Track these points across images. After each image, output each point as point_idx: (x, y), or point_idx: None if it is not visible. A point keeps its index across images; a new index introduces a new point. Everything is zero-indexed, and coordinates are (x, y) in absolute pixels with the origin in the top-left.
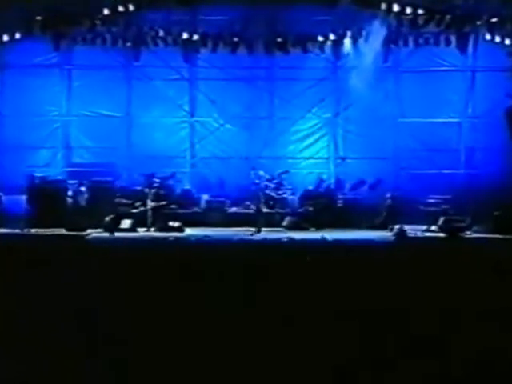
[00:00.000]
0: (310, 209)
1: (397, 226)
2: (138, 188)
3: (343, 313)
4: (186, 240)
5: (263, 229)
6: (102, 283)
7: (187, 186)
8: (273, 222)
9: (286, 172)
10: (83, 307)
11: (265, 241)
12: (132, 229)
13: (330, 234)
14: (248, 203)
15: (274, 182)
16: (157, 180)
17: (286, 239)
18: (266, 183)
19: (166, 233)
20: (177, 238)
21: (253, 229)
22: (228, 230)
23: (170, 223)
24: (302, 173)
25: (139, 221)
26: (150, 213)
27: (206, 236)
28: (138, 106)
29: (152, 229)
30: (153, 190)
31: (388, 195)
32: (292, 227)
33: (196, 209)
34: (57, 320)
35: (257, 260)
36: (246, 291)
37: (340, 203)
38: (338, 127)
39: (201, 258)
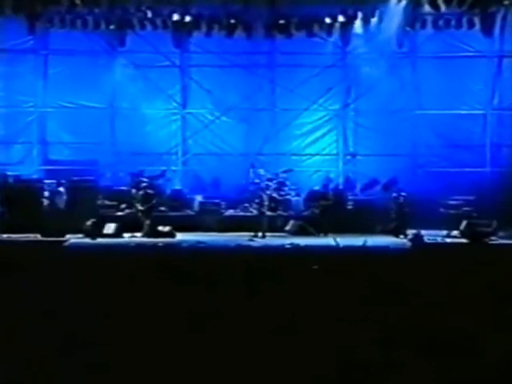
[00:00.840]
0: (317, 211)
1: (413, 231)
2: (124, 188)
3: (354, 328)
4: (178, 246)
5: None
6: (81, 296)
7: (178, 186)
8: (275, 226)
9: (290, 170)
10: (57, 320)
11: (266, 247)
12: (117, 234)
13: (339, 240)
14: (247, 205)
15: (276, 181)
16: (145, 179)
17: (289, 245)
18: (267, 183)
19: (154, 238)
20: (167, 244)
21: (252, 233)
22: (224, 235)
23: (160, 228)
24: (307, 171)
25: (125, 225)
26: (137, 216)
27: (199, 242)
28: (124, 96)
29: (139, 234)
30: (140, 191)
31: (403, 196)
32: (296, 232)
33: (188, 211)
34: (25, 333)
35: (257, 269)
36: (244, 306)
37: (350, 205)
38: (347, 120)
39: (194, 266)
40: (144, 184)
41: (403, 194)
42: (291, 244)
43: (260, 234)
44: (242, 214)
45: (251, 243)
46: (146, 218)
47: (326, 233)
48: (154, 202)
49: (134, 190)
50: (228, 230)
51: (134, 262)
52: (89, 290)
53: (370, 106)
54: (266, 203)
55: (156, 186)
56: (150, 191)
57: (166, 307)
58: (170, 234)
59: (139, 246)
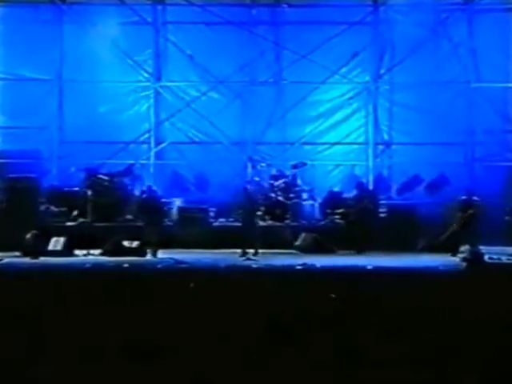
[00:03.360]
0: (339, 221)
1: (469, 247)
2: (76, 189)
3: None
4: (149, 267)
5: (267, 251)
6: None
7: (151, 186)
8: (281, 239)
9: (302, 165)
10: None
11: (269, 269)
12: (66, 251)
13: (368, 260)
14: (243, 212)
15: (283, 180)
16: (104, 177)
17: (300, 267)
18: (271, 182)
19: (118, 257)
20: (135, 265)
21: (250, 250)
22: (212, 252)
23: (125, 243)
24: (325, 166)
25: (77, 239)
26: (94, 226)
27: (178, 262)
28: (75, 64)
29: (98, 251)
30: (99, 192)
31: (455, 199)
32: (310, 248)
33: (164, 220)
34: None
35: (255, 300)
36: (240, 352)
37: (383, 212)
38: (379, 97)
39: (170, 295)
40: (104, 183)
41: (456, 196)
42: (303, 265)
43: (252, 250)
44: (235, 224)
45: (248, 263)
46: (107, 229)
47: (351, 249)
48: (118, 207)
49: (89, 192)
50: (218, 246)
51: (90, 290)
52: (21, 326)
53: (410, 77)
54: (263, 209)
55: (120, 186)
56: (111, 193)
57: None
58: (140, 252)
59: (97, 267)
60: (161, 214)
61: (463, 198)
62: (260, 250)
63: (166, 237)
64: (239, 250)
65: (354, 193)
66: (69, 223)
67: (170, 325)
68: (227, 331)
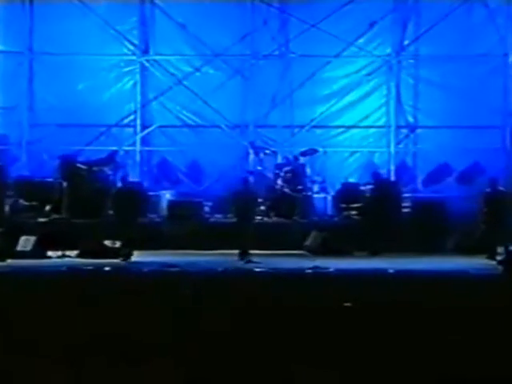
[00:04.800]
0: (355, 217)
1: (504, 248)
2: (49, 180)
3: None
4: (135, 272)
5: (272, 252)
6: None
7: (135, 177)
8: (287, 239)
9: (312, 152)
10: None
11: (272, 273)
12: (38, 252)
13: (389, 262)
14: (233, 207)
15: (290, 169)
16: (82, 166)
17: (310, 270)
18: (277, 171)
19: (98, 259)
20: (118, 269)
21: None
22: (207, 253)
23: (106, 242)
24: (339, 153)
25: (51, 238)
26: (70, 223)
27: (167, 265)
28: (48, 35)
29: (74, 252)
30: (76, 184)
31: (491, 192)
32: (321, 249)
33: (152, 215)
34: None
35: (258, 309)
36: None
37: (407, 207)
38: (403, 72)
39: (159, 303)
40: (82, 173)
41: (492, 189)
42: (315, 268)
43: (249, 251)
44: (234, 220)
45: (250, 266)
46: (84, 226)
47: (369, 250)
48: (98, 200)
49: (64, 184)
50: (214, 246)
51: (64, 297)
52: None
53: (438, 49)
54: (267, 203)
55: (101, 177)
56: (90, 185)
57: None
58: (123, 253)
59: (73, 271)
60: (135, 209)
61: (488, 190)
62: (264, 252)
63: (150, 235)
64: (238, 251)
65: (372, 184)
66: (41, 219)
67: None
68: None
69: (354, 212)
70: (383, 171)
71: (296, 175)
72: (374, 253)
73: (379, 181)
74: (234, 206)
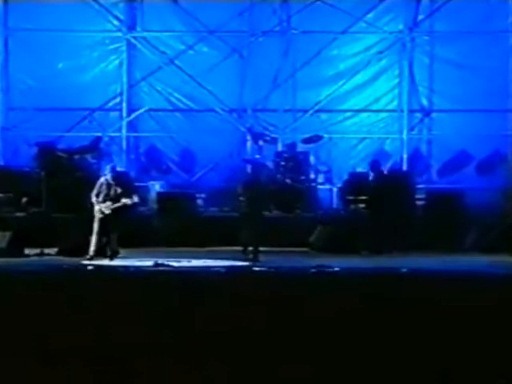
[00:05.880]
0: (364, 210)
1: None
2: (26, 169)
3: None
4: (121, 272)
5: (273, 249)
6: None
7: (121, 166)
8: (289, 234)
9: (317, 139)
10: None
11: (274, 272)
12: (13, 250)
13: (402, 260)
14: (242, 199)
15: (291, 157)
16: (62, 154)
17: (314, 270)
18: (277, 160)
19: (80, 257)
20: (99, 268)
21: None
22: (204, 251)
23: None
24: (346, 140)
25: (28, 234)
26: (49, 217)
27: (158, 264)
28: (24, 9)
29: (54, 249)
30: (55, 174)
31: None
32: (327, 246)
33: (140, 208)
34: None
35: (258, 313)
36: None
37: (420, 199)
38: (417, 50)
39: (147, 313)
40: (62, 161)
41: None
42: (318, 267)
43: (250, 248)
44: (232, 214)
45: (249, 265)
46: (63, 220)
47: (378, 248)
48: (78, 192)
49: (42, 173)
50: (208, 243)
51: (42, 299)
52: None
53: (455, 25)
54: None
55: (83, 166)
56: (70, 174)
57: None
58: (110, 251)
59: (53, 270)
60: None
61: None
62: (264, 249)
63: (141, 230)
64: (237, 248)
65: (382, 173)
66: (17, 213)
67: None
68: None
69: (362, 205)
70: (395, 159)
71: (298, 164)
72: (378, 252)
73: (378, 170)
74: (244, 196)
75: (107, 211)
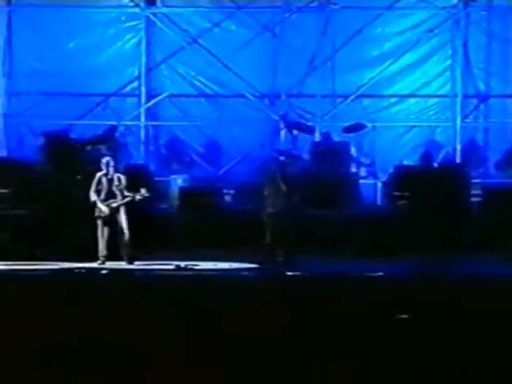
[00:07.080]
0: (412, 207)
1: None
2: (30, 162)
3: None
4: (135, 277)
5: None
6: None
7: (139, 159)
8: (328, 234)
9: (359, 128)
10: None
11: (308, 278)
12: (16, 250)
13: (453, 264)
14: (268, 195)
15: (331, 148)
16: (73, 145)
17: (353, 274)
18: (314, 151)
19: (89, 261)
20: (114, 272)
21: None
22: (230, 252)
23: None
24: (392, 129)
25: (26, 233)
26: (50, 215)
27: (180, 267)
28: None
29: (61, 251)
30: (64, 167)
31: None
32: (369, 249)
33: (160, 205)
34: None
35: (289, 323)
36: None
37: (476, 195)
38: (472, 28)
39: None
40: (70, 154)
41: None
42: (359, 271)
43: (279, 251)
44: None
45: (279, 270)
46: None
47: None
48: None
49: (50, 166)
50: (238, 245)
51: (43, 308)
52: None
53: None
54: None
55: (95, 158)
56: (83, 167)
57: None
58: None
59: (55, 274)
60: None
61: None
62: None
63: (162, 228)
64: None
65: (432, 166)
66: (17, 211)
67: None
68: None
69: (409, 202)
70: (447, 150)
71: (338, 156)
72: (426, 254)
73: (429, 163)
74: (271, 193)
75: (110, 210)
